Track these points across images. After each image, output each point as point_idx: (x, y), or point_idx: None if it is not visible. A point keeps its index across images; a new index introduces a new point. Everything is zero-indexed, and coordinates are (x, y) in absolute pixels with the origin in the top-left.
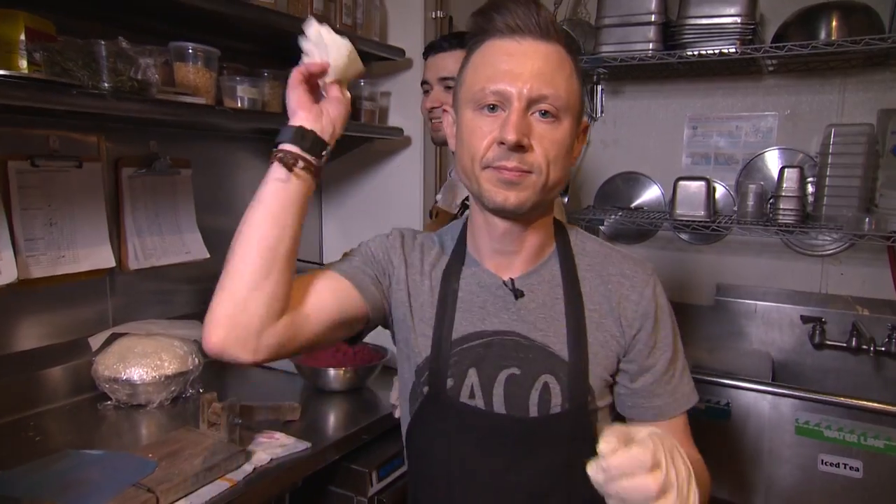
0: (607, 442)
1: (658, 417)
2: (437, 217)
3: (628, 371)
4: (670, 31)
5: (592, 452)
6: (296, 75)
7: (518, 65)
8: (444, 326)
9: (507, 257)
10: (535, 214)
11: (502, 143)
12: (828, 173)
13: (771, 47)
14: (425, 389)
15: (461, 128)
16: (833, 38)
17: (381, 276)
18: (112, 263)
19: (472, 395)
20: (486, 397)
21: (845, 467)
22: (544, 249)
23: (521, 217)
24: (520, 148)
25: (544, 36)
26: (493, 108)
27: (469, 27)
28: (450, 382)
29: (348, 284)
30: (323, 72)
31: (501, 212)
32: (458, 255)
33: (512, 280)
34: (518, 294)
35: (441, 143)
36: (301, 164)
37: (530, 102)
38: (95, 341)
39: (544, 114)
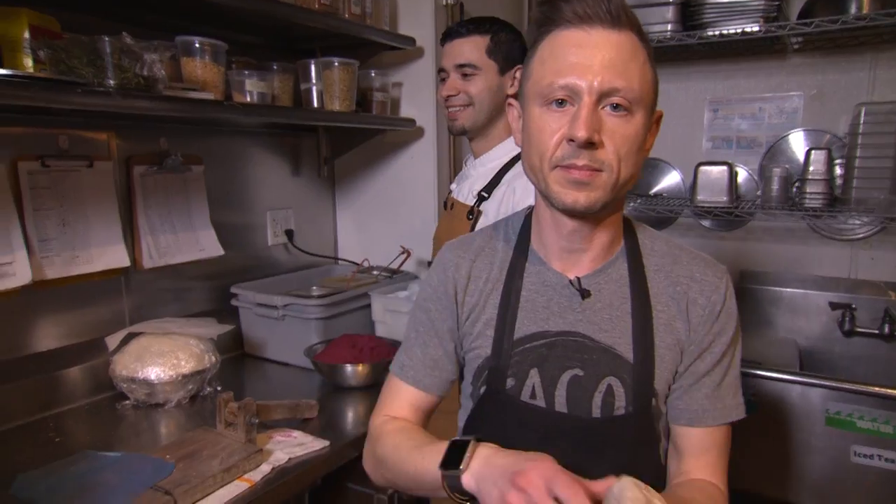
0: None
1: (693, 423)
2: (452, 208)
3: (678, 370)
4: (689, 11)
5: (656, 455)
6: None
7: (588, 56)
8: (507, 326)
9: (575, 255)
10: (606, 212)
11: (572, 141)
12: (857, 154)
13: (797, 24)
14: (483, 389)
15: (528, 124)
16: (864, 12)
17: (452, 322)
18: (127, 262)
19: (533, 395)
20: (548, 398)
21: (880, 458)
22: (613, 247)
23: (590, 216)
24: (590, 145)
25: (615, 24)
26: (561, 102)
27: (534, 18)
28: (510, 382)
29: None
30: None
31: (571, 212)
32: (522, 250)
33: (578, 279)
34: (585, 294)
35: (459, 133)
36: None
37: (601, 96)
38: (112, 341)
39: (616, 107)
